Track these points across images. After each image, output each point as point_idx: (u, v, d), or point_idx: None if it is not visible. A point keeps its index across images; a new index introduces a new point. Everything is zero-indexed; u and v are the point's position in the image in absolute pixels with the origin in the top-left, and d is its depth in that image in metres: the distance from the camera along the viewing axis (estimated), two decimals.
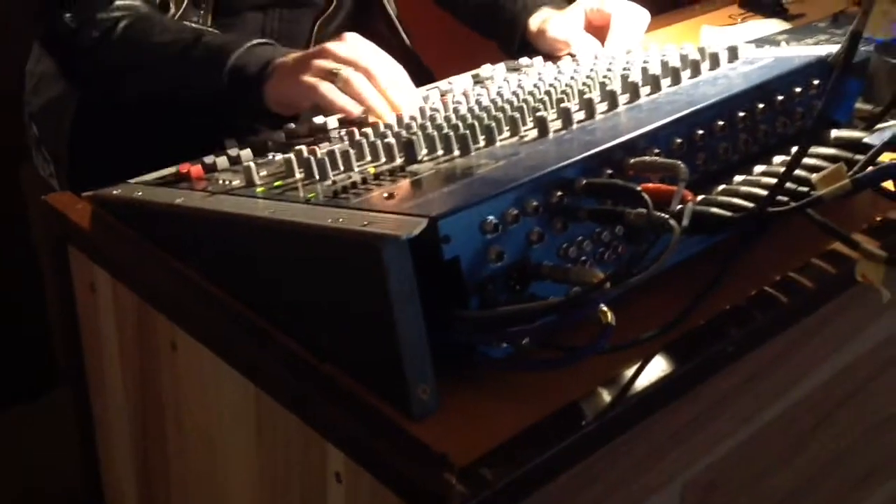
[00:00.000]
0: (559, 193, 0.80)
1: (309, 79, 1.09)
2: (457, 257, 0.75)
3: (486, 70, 1.25)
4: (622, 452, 0.79)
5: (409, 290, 0.73)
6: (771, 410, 0.93)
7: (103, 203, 1.00)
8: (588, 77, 1.06)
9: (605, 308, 0.74)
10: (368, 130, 1.01)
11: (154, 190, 0.98)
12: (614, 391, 0.77)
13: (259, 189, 0.92)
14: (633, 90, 0.98)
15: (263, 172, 0.96)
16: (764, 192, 0.85)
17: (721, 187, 0.90)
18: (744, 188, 0.88)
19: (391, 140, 0.94)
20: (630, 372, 0.78)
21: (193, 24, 1.32)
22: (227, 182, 0.96)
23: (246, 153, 1.04)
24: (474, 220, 0.75)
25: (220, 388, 0.88)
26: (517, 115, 0.94)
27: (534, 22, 1.36)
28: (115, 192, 1.00)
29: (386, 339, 0.73)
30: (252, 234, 0.84)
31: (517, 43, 1.39)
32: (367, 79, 1.08)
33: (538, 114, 0.93)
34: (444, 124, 0.97)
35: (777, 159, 0.95)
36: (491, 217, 0.76)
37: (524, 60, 1.26)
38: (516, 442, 0.72)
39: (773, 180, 0.87)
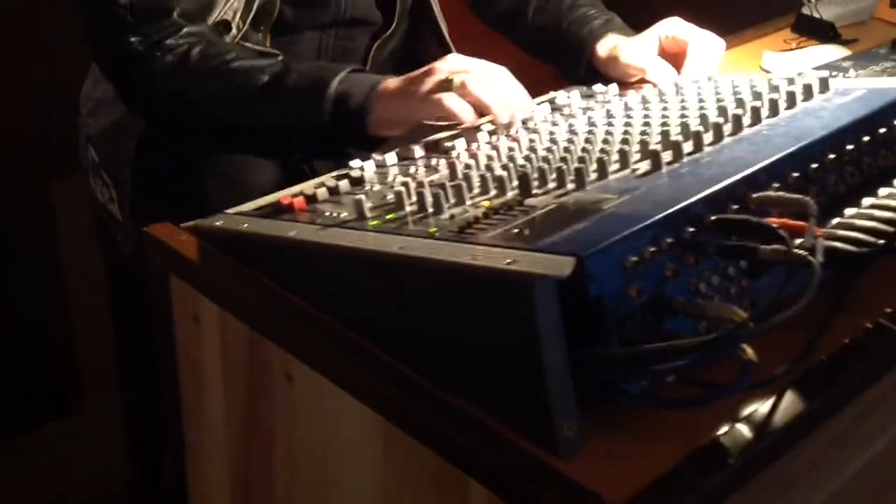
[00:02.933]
0: (691, 229, 0.81)
1: (428, 92, 1.13)
2: (601, 295, 0.75)
3: (561, 97, 1.25)
4: (756, 491, 0.80)
5: (557, 329, 0.73)
6: (884, 437, 0.94)
7: (205, 234, 1.00)
8: (682, 107, 1.07)
9: (745, 346, 0.75)
10: (471, 162, 1.02)
11: (260, 222, 0.98)
12: (754, 428, 0.77)
13: (372, 222, 0.92)
14: (735, 122, 0.99)
15: (369, 204, 0.96)
16: (884, 227, 0.86)
17: (836, 220, 0.91)
18: (860, 222, 0.89)
19: (500, 173, 0.94)
20: (765, 408, 0.79)
21: (259, 48, 1.33)
22: (333, 214, 0.96)
23: (344, 184, 1.04)
24: (616, 257, 0.76)
25: (341, 420, 0.88)
26: (625, 147, 0.95)
27: (603, 48, 1.37)
28: (217, 223, 1.00)
29: (532, 377, 0.74)
30: (382, 270, 0.85)
31: (582, 68, 1.40)
32: (482, 83, 1.13)
33: (651, 147, 0.93)
34: (549, 155, 0.98)
35: (883, 191, 0.97)
36: (632, 255, 0.77)
37: (599, 87, 1.27)
38: (666, 481, 0.72)
39: (889, 214, 0.89)
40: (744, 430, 0.77)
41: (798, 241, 0.80)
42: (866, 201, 0.95)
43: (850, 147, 0.95)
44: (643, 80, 1.31)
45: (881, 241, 0.84)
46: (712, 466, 0.74)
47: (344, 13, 1.42)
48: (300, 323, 0.90)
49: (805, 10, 1.60)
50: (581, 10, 1.44)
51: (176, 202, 1.30)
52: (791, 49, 1.53)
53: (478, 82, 1.14)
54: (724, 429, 0.77)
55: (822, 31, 1.56)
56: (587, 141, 1.01)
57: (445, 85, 1.15)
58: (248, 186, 1.22)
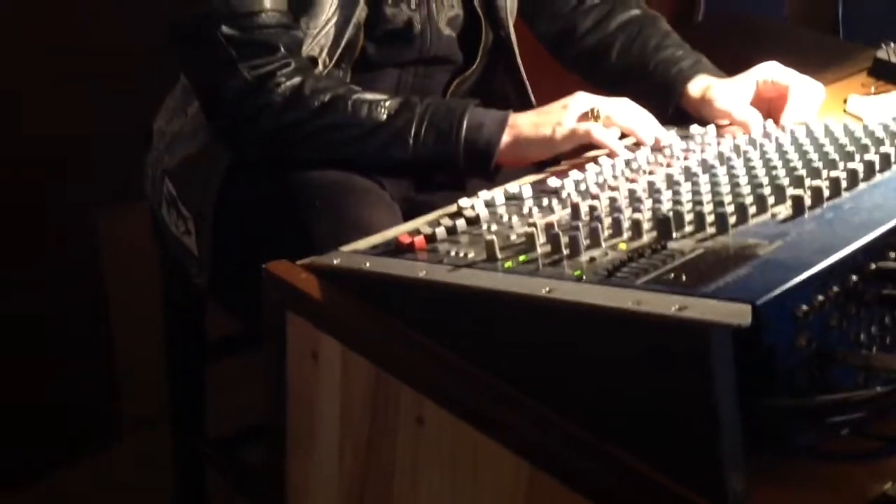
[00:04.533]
0: (854, 278, 0.79)
1: (572, 124, 1.21)
2: (773, 344, 0.74)
3: (663, 139, 1.24)
4: None
5: (731, 379, 0.71)
6: None
7: (326, 271, 0.98)
8: (802, 152, 1.06)
9: None
10: (594, 203, 1.00)
11: (381, 261, 0.96)
12: None
13: (507, 264, 0.90)
14: (867, 167, 0.98)
15: (497, 244, 0.94)
16: None
17: None
18: None
19: (635, 216, 0.92)
20: None
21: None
22: (458, 254, 0.95)
23: (461, 223, 1.02)
24: (788, 305, 0.74)
25: (478, 466, 0.86)
26: (762, 190, 0.94)
27: (695, 88, 1.36)
28: (335, 261, 0.99)
29: (703, 427, 0.72)
30: (530, 313, 0.83)
31: (671, 109, 1.39)
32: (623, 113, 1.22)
33: (792, 192, 0.92)
34: (679, 198, 0.97)
35: None
36: (802, 303, 0.75)
37: (696, 129, 1.26)
38: None
39: None
40: None
41: None
42: None
43: None
44: (733, 124, 1.30)
45: None
46: None
47: (428, 52, 1.42)
48: (436, 364, 0.87)
49: (881, 55, 1.60)
50: (669, 50, 1.44)
51: (265, 236, 1.29)
52: (872, 94, 1.52)
53: (620, 112, 1.22)
54: (890, 484, 0.75)
55: None
56: (714, 183, 0.99)
57: (587, 117, 1.22)
58: (346, 221, 1.20)
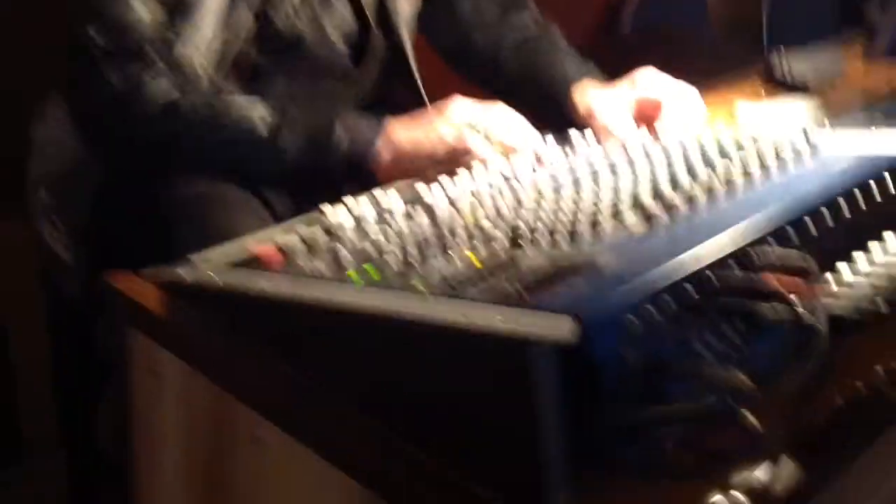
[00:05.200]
0: (692, 290, 0.77)
1: (449, 134, 1.17)
2: (598, 357, 0.71)
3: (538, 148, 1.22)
4: None
5: (555, 394, 0.69)
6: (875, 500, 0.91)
7: (168, 284, 0.94)
8: (669, 164, 1.04)
9: (746, 412, 0.71)
10: (452, 211, 0.97)
11: (229, 273, 0.93)
12: (750, 497, 0.73)
13: (353, 276, 0.87)
14: (728, 183, 0.96)
15: (347, 255, 0.92)
16: (885, 284, 0.84)
17: (831, 278, 0.88)
18: (858, 279, 0.86)
19: (486, 225, 0.90)
20: (762, 476, 0.75)
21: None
22: (309, 266, 0.91)
23: (318, 232, 0.99)
24: (615, 317, 0.72)
25: (315, 488, 0.82)
26: (618, 203, 0.92)
27: (578, 97, 1.35)
28: (181, 272, 0.95)
29: (526, 445, 0.69)
30: (364, 327, 0.79)
31: (560, 116, 1.37)
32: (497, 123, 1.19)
33: (644, 205, 0.90)
34: (538, 207, 0.94)
35: (874, 245, 0.94)
36: (631, 314, 0.73)
37: (575, 136, 1.24)
38: None
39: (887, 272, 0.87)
40: (740, 498, 0.73)
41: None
42: (858, 256, 0.92)
43: (844, 204, 0.92)
44: (610, 132, 1.28)
45: (882, 307, 0.81)
46: None
47: (319, 63, 1.38)
48: (270, 381, 0.84)
49: (773, 63, 1.60)
50: (558, 60, 1.43)
51: (136, 249, 1.24)
52: (763, 100, 1.52)
53: (495, 121, 1.19)
54: (718, 497, 0.73)
55: (791, 84, 1.56)
56: (575, 194, 0.97)
57: (462, 124, 1.19)
58: (213, 234, 1.16)
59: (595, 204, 0.93)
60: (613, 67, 1.43)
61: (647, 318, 0.73)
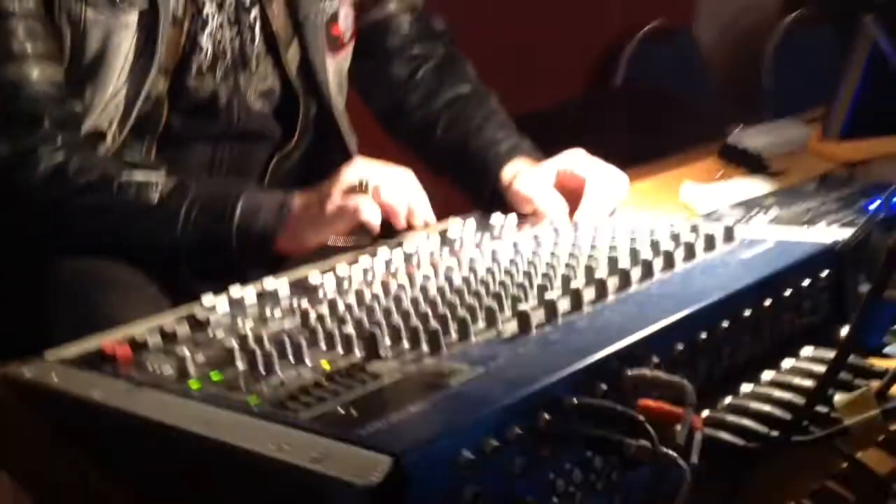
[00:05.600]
0: (546, 416, 0.68)
1: (339, 200, 1.09)
2: (419, 496, 0.62)
3: (454, 229, 1.14)
4: None
5: None
6: None
7: (10, 381, 0.86)
8: (571, 255, 0.96)
9: None
10: (325, 311, 0.89)
11: (71, 374, 0.85)
12: None
13: (193, 384, 0.79)
14: (623, 276, 0.87)
15: (201, 357, 0.83)
16: (780, 413, 0.74)
17: (728, 401, 0.79)
18: (754, 405, 0.77)
19: (350, 330, 0.81)
20: None
21: (136, 161, 1.22)
22: (157, 370, 0.83)
23: (183, 330, 0.91)
24: (446, 454, 0.63)
25: None
26: (494, 304, 0.83)
27: (506, 174, 1.26)
28: (24, 369, 0.87)
29: None
30: (182, 449, 0.71)
31: (488, 194, 1.29)
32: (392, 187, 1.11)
33: (519, 306, 0.81)
34: (412, 309, 0.85)
35: (786, 364, 0.85)
36: (465, 451, 0.63)
37: (496, 219, 1.16)
38: None
39: (786, 395, 0.77)
40: None
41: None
42: (766, 375, 0.83)
43: (748, 312, 0.83)
44: (535, 214, 1.20)
45: (774, 433, 0.72)
46: None
47: (237, 124, 1.31)
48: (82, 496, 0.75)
49: (731, 140, 1.52)
50: (490, 131, 1.34)
51: (16, 330, 1.17)
52: (715, 180, 1.43)
53: (388, 187, 1.11)
54: None
55: (748, 161, 1.47)
56: (457, 292, 0.89)
57: (357, 190, 1.11)
58: (92, 318, 1.08)
59: (471, 305, 0.84)
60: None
61: (488, 453, 0.64)
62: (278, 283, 1.01)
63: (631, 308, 0.83)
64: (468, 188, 1.36)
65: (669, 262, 0.91)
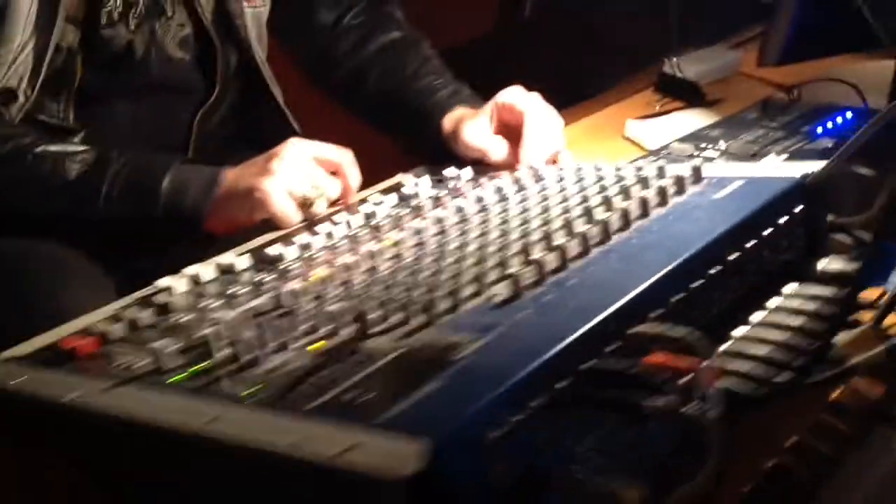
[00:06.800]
0: (563, 383, 0.66)
1: (271, 185, 1.03)
2: (457, 483, 0.60)
3: (409, 186, 1.10)
4: None
5: None
6: None
7: None
8: (544, 209, 0.93)
9: None
10: (296, 286, 0.85)
11: (33, 374, 0.79)
12: None
13: (174, 378, 0.74)
14: (602, 228, 0.85)
15: (172, 347, 0.78)
16: (781, 356, 0.74)
17: (725, 348, 0.78)
18: (754, 350, 0.77)
19: (332, 307, 0.78)
20: None
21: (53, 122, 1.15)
22: (128, 363, 0.78)
23: (146, 315, 0.86)
24: (477, 434, 0.60)
25: None
26: (477, 268, 0.80)
27: (448, 123, 1.23)
28: None
29: None
30: (176, 448, 0.67)
31: (428, 145, 1.25)
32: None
33: (506, 269, 0.79)
34: (391, 279, 0.82)
35: (772, 303, 0.85)
36: (492, 428, 0.61)
37: (450, 171, 1.12)
38: None
39: (783, 336, 0.77)
40: None
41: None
42: (756, 316, 0.83)
43: (734, 255, 0.82)
44: (484, 159, 1.16)
45: (782, 375, 0.72)
46: None
47: (157, 76, 1.24)
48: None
49: (667, 69, 1.51)
50: (427, 78, 1.30)
51: None
52: (655, 114, 1.43)
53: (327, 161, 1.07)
54: None
55: (685, 92, 1.47)
56: (434, 257, 0.86)
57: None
58: (23, 304, 1.02)
59: (456, 269, 0.81)
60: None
61: (514, 428, 0.62)
62: (235, 259, 0.96)
63: (616, 262, 0.81)
64: (406, 139, 1.32)
65: (644, 208, 0.89)
